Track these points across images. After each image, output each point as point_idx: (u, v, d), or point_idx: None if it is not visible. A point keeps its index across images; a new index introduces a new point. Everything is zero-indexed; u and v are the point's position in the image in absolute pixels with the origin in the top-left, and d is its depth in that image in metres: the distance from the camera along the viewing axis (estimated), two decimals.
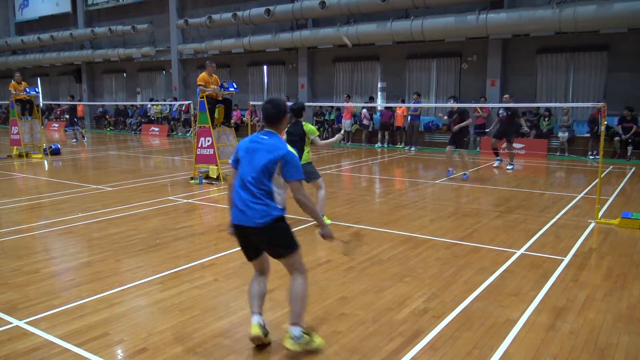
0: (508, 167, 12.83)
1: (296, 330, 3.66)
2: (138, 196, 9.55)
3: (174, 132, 24.77)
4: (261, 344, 3.79)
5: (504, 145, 13.21)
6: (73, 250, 6.29)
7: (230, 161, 4.00)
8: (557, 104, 16.11)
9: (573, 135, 15.85)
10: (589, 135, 15.36)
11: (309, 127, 7.12)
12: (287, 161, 3.65)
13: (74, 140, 21.58)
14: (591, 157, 15.04)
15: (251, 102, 13.53)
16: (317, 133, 7.22)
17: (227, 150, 11.81)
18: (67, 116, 28.63)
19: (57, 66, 31.36)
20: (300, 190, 3.69)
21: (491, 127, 14.00)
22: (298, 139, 6.97)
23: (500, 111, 12.65)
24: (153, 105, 25.58)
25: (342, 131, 8.38)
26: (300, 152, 6.96)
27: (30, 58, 31.56)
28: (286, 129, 7.05)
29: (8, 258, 5.92)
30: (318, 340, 3.78)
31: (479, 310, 4.43)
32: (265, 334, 3.78)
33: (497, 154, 13.32)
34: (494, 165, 13.32)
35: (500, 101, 14.60)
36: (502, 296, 4.73)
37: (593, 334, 3.99)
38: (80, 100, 29.41)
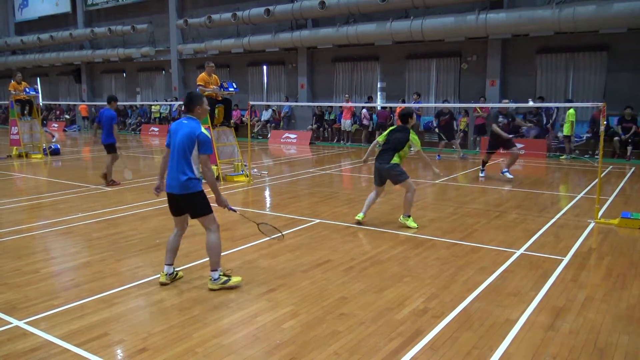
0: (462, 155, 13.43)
1: (214, 274, 4.83)
2: (138, 196, 9.55)
3: None
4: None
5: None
6: (73, 250, 6.29)
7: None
8: (557, 104, 16.11)
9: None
10: (588, 135, 15.35)
11: (414, 137, 7.23)
12: (201, 141, 4.69)
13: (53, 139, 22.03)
14: (587, 156, 15.03)
15: (251, 102, 13.50)
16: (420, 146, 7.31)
17: (227, 150, 11.79)
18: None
19: (57, 66, 31.37)
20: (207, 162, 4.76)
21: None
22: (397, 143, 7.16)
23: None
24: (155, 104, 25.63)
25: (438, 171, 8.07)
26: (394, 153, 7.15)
27: (29, 58, 31.56)
28: (390, 130, 7.37)
29: (8, 258, 5.92)
30: (234, 279, 4.86)
31: (479, 310, 4.43)
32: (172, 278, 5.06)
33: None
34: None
35: (500, 101, 14.52)
36: (501, 296, 4.74)
37: (592, 334, 4.00)
38: (83, 101, 29.50)
